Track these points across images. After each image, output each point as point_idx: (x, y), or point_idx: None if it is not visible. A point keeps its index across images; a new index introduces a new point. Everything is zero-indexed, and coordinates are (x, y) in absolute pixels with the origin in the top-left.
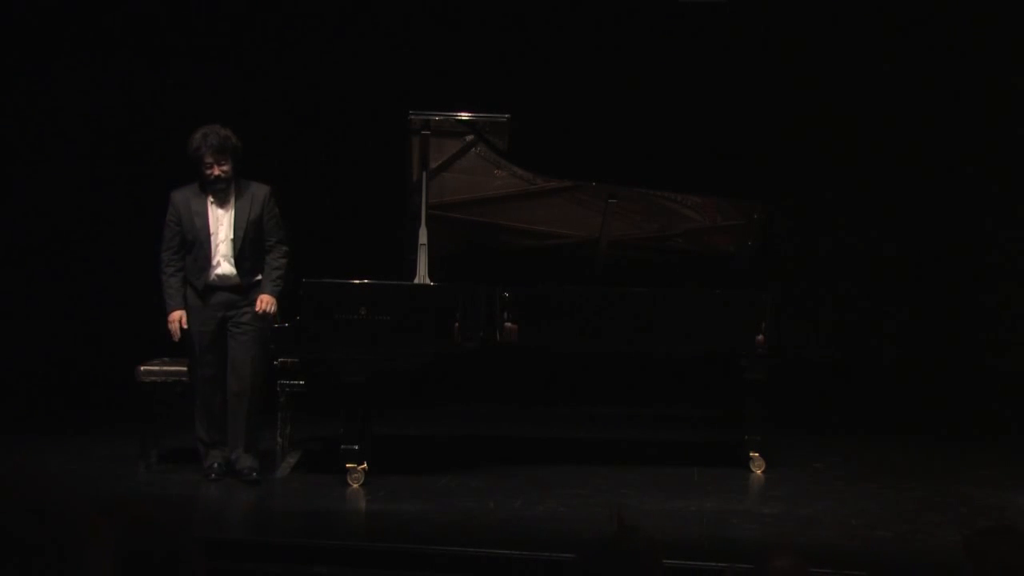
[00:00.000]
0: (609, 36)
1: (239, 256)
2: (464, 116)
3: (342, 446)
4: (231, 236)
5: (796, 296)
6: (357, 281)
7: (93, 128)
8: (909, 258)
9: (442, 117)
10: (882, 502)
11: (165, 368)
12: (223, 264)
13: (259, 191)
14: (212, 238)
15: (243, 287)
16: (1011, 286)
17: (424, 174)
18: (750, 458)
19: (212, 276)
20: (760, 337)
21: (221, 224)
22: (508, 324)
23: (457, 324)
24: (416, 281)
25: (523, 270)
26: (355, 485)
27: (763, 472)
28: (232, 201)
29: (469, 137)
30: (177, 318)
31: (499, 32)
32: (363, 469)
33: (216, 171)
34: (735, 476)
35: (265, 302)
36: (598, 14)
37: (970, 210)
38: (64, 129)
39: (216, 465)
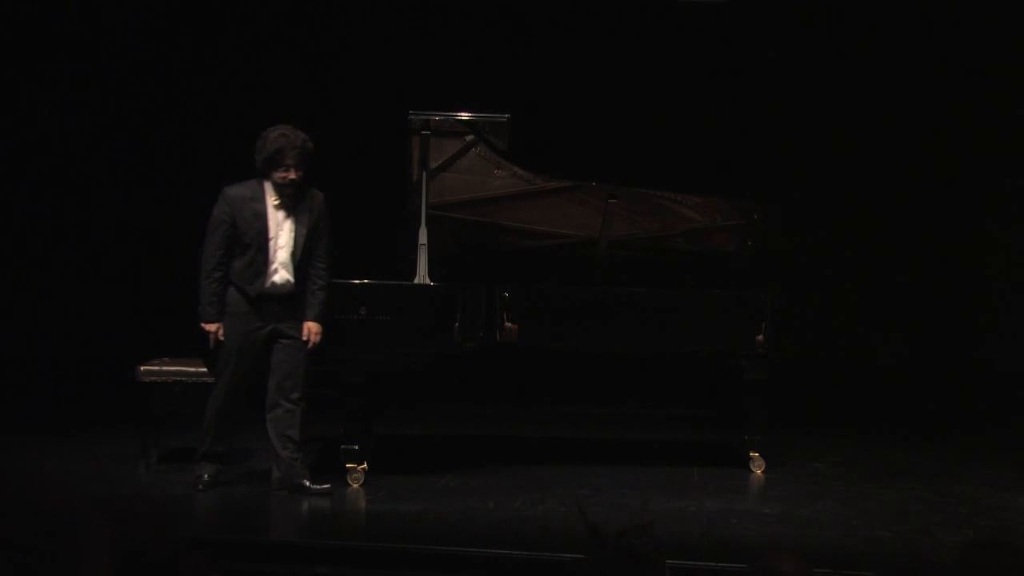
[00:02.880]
0: (609, 36)
1: (297, 265)
2: (464, 116)
3: (342, 446)
4: (291, 243)
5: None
6: (357, 281)
7: (93, 128)
8: (909, 258)
9: (442, 117)
10: (882, 502)
11: (165, 368)
12: (280, 272)
13: (316, 198)
14: (271, 243)
15: (295, 297)
16: (1011, 286)
17: (424, 174)
18: (750, 458)
19: (268, 283)
20: (760, 337)
21: (282, 229)
22: (508, 324)
23: (457, 324)
24: (416, 281)
25: (523, 270)
26: (355, 485)
27: (763, 472)
28: (295, 207)
29: (469, 137)
30: (215, 330)
31: (499, 32)
32: (363, 469)
33: (292, 175)
34: (735, 476)
35: (314, 332)
36: (598, 14)
37: (970, 210)
38: (64, 129)
39: (207, 477)
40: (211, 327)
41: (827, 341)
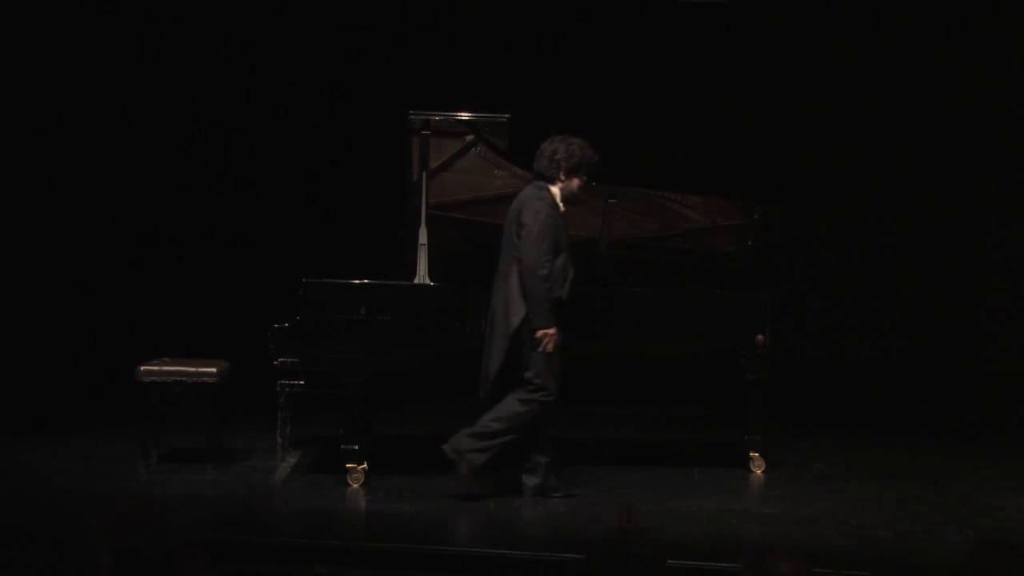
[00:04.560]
0: (609, 36)
1: None
2: (464, 116)
3: (342, 446)
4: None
5: (796, 296)
6: (357, 281)
7: (93, 127)
8: (909, 257)
9: (442, 117)
10: (882, 502)
11: (165, 368)
12: (571, 281)
13: None
14: (568, 249)
15: None
16: (1011, 286)
17: (424, 174)
18: (750, 458)
19: (567, 288)
20: (760, 337)
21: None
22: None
23: (457, 324)
24: (416, 281)
25: None
26: (355, 485)
27: (763, 472)
28: None
29: (469, 137)
30: (553, 334)
31: (499, 32)
32: (363, 469)
33: (583, 185)
34: (735, 476)
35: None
36: (598, 14)
37: (970, 209)
38: (64, 128)
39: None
40: (551, 332)
41: (827, 341)
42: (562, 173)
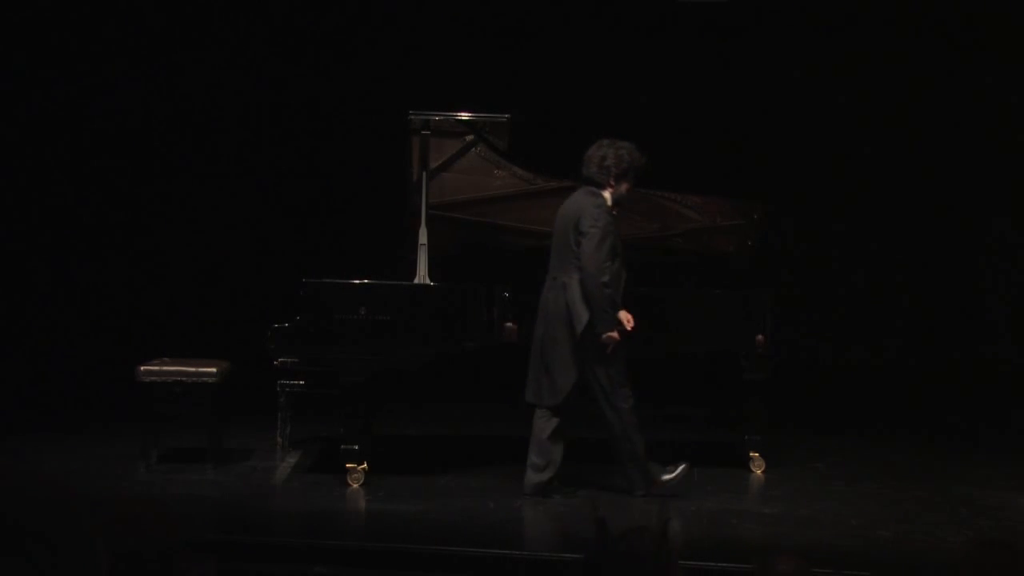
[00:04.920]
0: (609, 36)
1: None
2: (464, 116)
3: (342, 446)
4: None
5: (795, 295)
6: (357, 281)
7: (94, 127)
8: (909, 257)
9: (442, 117)
10: (882, 502)
11: (165, 368)
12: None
13: None
14: (622, 253)
15: None
16: (1012, 285)
17: (424, 174)
18: (750, 458)
19: (621, 291)
20: (760, 337)
21: None
22: (508, 324)
23: (457, 324)
24: (416, 281)
25: (523, 270)
26: (355, 485)
27: (763, 472)
28: None
29: (469, 137)
30: (618, 338)
31: (499, 32)
32: (363, 469)
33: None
34: (735, 476)
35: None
36: (598, 14)
37: (970, 209)
38: (65, 129)
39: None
40: (616, 335)
41: (827, 341)
42: (612, 179)
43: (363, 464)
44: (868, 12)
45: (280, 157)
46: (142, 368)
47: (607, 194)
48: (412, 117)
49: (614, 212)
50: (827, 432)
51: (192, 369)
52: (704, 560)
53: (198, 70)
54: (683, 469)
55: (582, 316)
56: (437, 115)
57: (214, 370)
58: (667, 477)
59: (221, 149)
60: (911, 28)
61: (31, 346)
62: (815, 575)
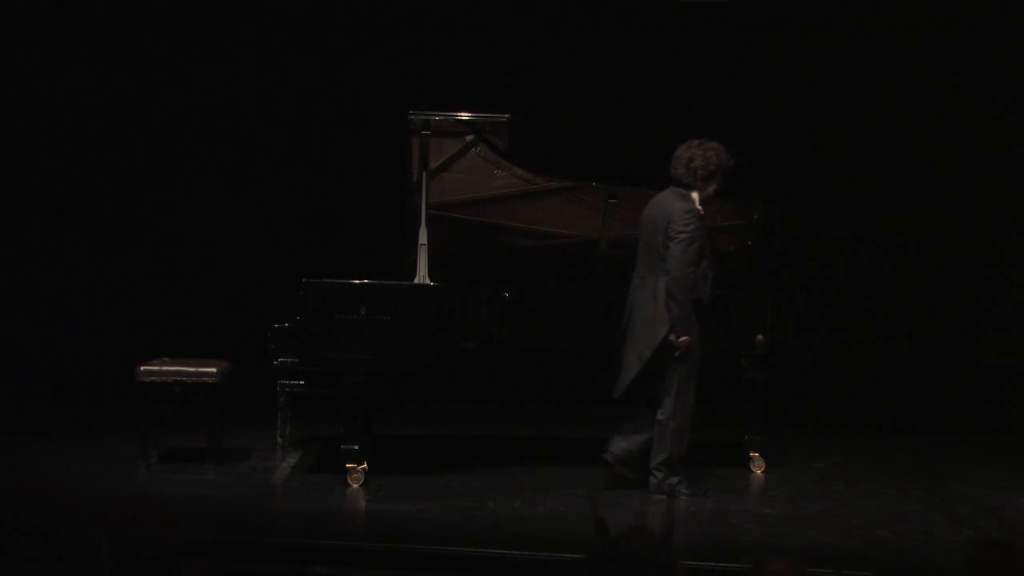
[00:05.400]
0: (609, 36)
1: None
2: (464, 116)
3: (342, 446)
4: None
5: (796, 295)
6: (357, 281)
7: (94, 127)
8: (909, 257)
9: (442, 117)
10: (882, 502)
11: (165, 368)
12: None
13: None
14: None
15: None
16: (1010, 285)
17: (424, 174)
18: (750, 458)
19: (708, 291)
20: (760, 337)
21: None
22: (508, 324)
23: (457, 324)
24: (416, 281)
25: (523, 270)
26: (355, 485)
27: (763, 472)
28: None
29: (469, 137)
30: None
31: (499, 32)
32: (363, 469)
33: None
34: (735, 476)
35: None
36: (598, 14)
37: (970, 209)
38: (65, 129)
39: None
40: (688, 339)
41: (827, 341)
42: (699, 180)
43: (363, 464)
44: (868, 12)
45: (280, 157)
46: (142, 368)
47: (695, 195)
48: (412, 117)
49: (702, 213)
50: (827, 432)
51: (192, 369)
52: (704, 560)
53: (198, 70)
54: (702, 493)
55: (665, 320)
56: (437, 115)
57: (214, 370)
58: (685, 490)
59: (221, 149)
60: (911, 28)
61: (31, 346)
62: (815, 575)
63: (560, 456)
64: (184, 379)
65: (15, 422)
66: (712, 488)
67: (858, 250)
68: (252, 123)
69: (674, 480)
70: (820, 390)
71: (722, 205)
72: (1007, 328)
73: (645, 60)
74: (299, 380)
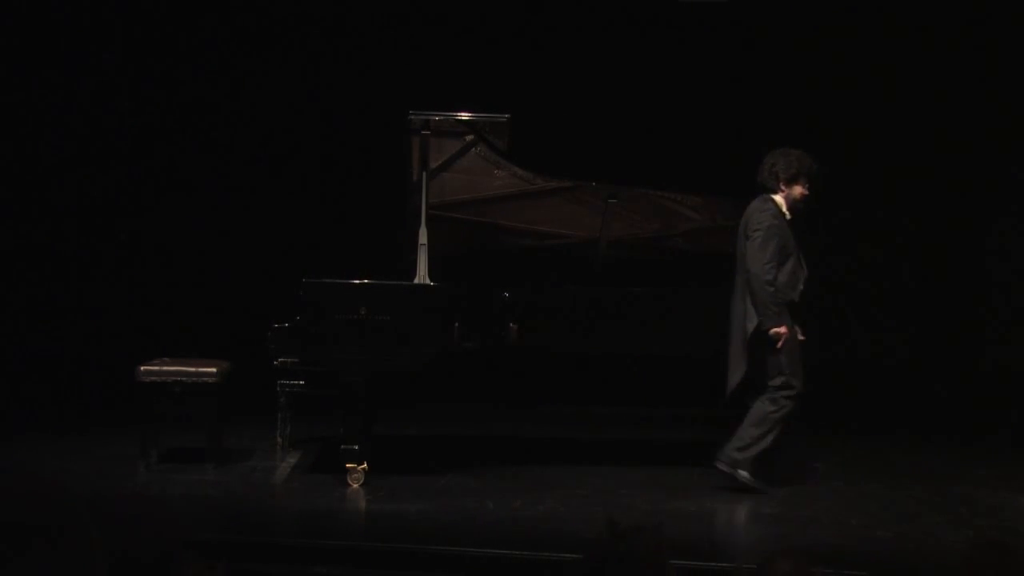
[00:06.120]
0: (609, 36)
1: None
2: (464, 116)
3: (342, 446)
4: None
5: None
6: (357, 281)
7: (94, 127)
8: (910, 257)
9: (442, 117)
10: (882, 502)
11: (165, 368)
12: (803, 282)
13: None
14: (799, 253)
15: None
16: (1011, 285)
17: (424, 174)
18: None
19: (799, 291)
20: None
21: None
22: (508, 324)
23: (457, 324)
24: (416, 281)
25: (523, 270)
26: (355, 485)
27: None
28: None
29: (469, 137)
30: (785, 333)
31: (499, 32)
32: (363, 469)
33: (808, 192)
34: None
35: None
36: (598, 14)
37: (970, 209)
38: (65, 129)
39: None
40: (783, 330)
41: (827, 341)
42: (781, 184)
43: (363, 464)
44: (868, 12)
45: (280, 157)
46: (142, 368)
47: (778, 198)
48: (412, 117)
49: (788, 216)
50: (827, 432)
51: (192, 369)
52: (704, 560)
53: (198, 70)
54: (759, 486)
55: (752, 317)
56: (437, 115)
57: (214, 370)
58: (748, 476)
59: (221, 149)
60: (911, 27)
61: (31, 346)
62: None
63: (560, 456)
64: (184, 379)
65: (15, 422)
66: (775, 491)
67: (859, 250)
68: (252, 123)
69: (744, 462)
70: (820, 390)
71: (722, 205)
72: (1008, 328)
73: (645, 60)
74: (299, 380)
